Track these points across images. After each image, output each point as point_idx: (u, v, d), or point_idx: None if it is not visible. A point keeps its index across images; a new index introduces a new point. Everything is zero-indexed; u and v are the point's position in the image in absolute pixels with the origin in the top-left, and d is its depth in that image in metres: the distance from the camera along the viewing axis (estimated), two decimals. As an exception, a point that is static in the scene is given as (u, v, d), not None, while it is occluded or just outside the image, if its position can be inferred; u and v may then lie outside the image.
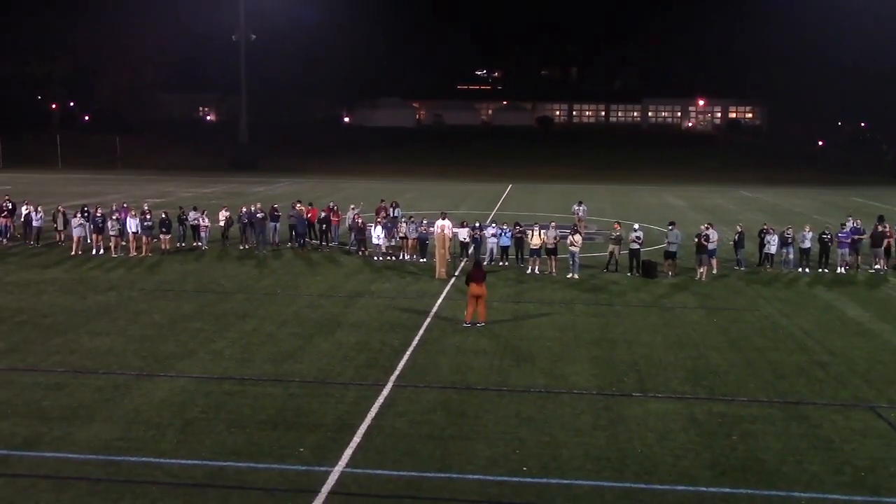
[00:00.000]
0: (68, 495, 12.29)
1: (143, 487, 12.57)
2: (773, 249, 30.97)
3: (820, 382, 18.08)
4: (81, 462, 13.41)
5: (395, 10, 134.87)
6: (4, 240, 34.89)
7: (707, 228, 30.10)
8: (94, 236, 32.58)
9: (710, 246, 29.43)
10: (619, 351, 20.23)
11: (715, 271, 29.83)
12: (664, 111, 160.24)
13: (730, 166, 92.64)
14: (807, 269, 30.84)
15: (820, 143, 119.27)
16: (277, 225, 34.83)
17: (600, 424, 15.41)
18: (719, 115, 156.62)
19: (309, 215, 35.24)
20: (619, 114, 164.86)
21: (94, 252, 32.23)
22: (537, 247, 29.95)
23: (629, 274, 29.65)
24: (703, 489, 12.92)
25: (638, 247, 29.86)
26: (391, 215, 35.93)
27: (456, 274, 28.74)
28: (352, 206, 35.91)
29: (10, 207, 35.74)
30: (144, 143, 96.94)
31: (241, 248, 34.05)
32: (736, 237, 31.37)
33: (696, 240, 29.57)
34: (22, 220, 35.21)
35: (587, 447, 14.35)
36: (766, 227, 31.97)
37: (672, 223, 31.00)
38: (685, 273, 29.83)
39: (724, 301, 26.06)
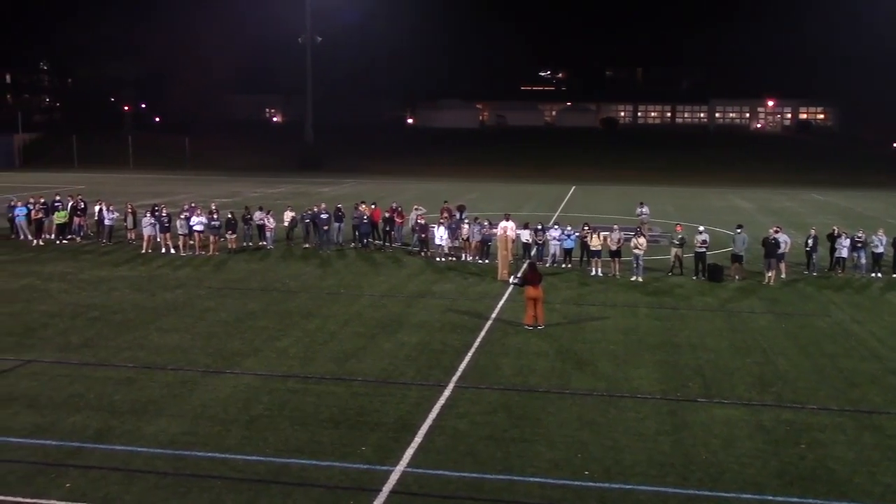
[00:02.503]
0: (137, 487, 12.58)
1: (208, 482, 12.81)
2: (844, 253, 30.19)
3: (894, 391, 17.54)
4: (150, 455, 13.72)
5: (459, 11, 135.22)
6: (78, 238, 35.92)
7: (776, 232, 29.47)
8: (161, 235, 33.35)
9: (780, 250, 28.81)
10: (684, 355, 19.92)
11: (784, 276, 29.19)
12: (732, 112, 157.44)
13: (800, 168, 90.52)
14: (879, 274, 29.98)
15: (895, 144, 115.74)
16: (341, 225, 35.15)
17: (664, 429, 15.20)
18: (789, 116, 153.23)
19: (371, 215, 35.46)
20: (686, 115, 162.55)
21: (162, 251, 32.97)
22: (598, 248, 29.75)
23: (694, 277, 29.19)
24: (770, 498, 12.64)
25: (704, 250, 29.39)
26: (456, 218, 35.98)
27: (518, 275, 28.62)
28: (415, 207, 36.08)
29: (83, 207, 36.77)
30: (213, 143, 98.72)
31: (304, 247, 34.46)
32: (810, 241, 30.56)
33: (764, 244, 29.02)
34: (95, 218, 36.20)
35: (651, 452, 14.16)
36: (836, 230, 31.15)
37: (740, 226, 30.43)
38: (753, 277, 29.25)
39: (793, 306, 25.47)
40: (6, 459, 13.46)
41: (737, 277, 29.03)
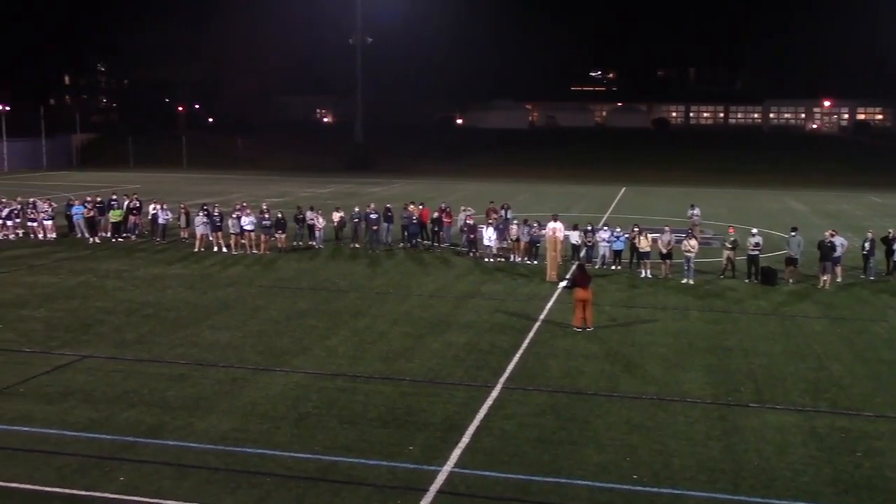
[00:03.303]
0: (189, 482, 12.78)
1: (258, 478, 12.96)
2: (903, 257, 29.45)
3: (954, 399, 17.08)
4: (201, 451, 13.92)
5: (510, 11, 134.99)
6: (133, 236, 36.61)
7: (832, 235, 28.87)
8: (213, 234, 33.84)
9: (836, 253, 28.22)
10: (736, 360, 19.63)
11: (839, 279, 28.60)
12: (787, 112, 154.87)
13: (857, 170, 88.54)
14: (940, 279, 29.19)
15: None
16: (390, 225, 35.31)
17: (714, 434, 14.99)
18: (846, 116, 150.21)
19: (419, 216, 35.53)
20: (739, 115, 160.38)
21: (214, 249, 33.44)
22: (647, 250, 29.48)
23: (747, 280, 28.74)
24: (824, 506, 12.40)
25: (757, 252, 28.92)
26: (502, 217, 35.93)
27: (567, 277, 28.46)
28: (463, 208, 36.10)
29: (138, 206, 37.49)
30: (265, 143, 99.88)
31: (352, 246, 34.68)
32: (867, 244, 29.83)
33: (819, 247, 28.48)
34: (149, 217, 36.88)
35: (700, 457, 13.98)
36: (891, 233, 30.38)
37: (795, 228, 29.88)
38: (807, 281, 28.70)
39: (848, 311, 24.94)
40: (63, 452, 13.78)
41: (791, 281, 28.52)
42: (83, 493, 12.38)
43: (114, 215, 36.37)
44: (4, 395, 16.51)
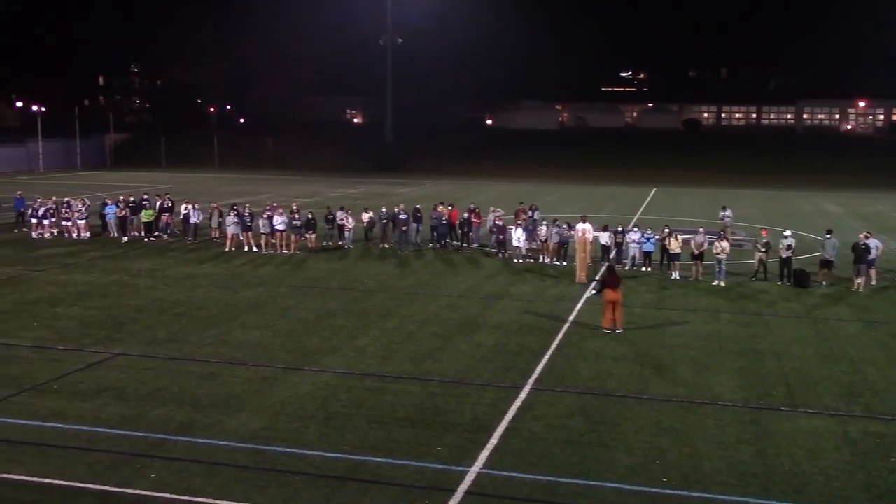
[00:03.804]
0: (218, 480, 12.87)
1: (287, 477, 13.02)
2: (939, 260, 28.98)
3: None
4: (230, 449, 14.01)
5: (539, 11, 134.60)
6: (165, 236, 36.97)
7: (867, 237, 28.48)
8: (244, 234, 34.07)
9: (870, 255, 27.83)
10: (767, 363, 19.42)
11: (874, 282, 28.20)
12: (821, 113, 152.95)
13: (893, 171, 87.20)
14: (978, 283, 28.70)
15: None
16: (420, 226, 35.36)
17: (745, 438, 14.84)
18: (882, 117, 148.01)
19: (449, 216, 35.54)
20: (772, 116, 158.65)
21: (245, 249, 33.68)
22: (677, 252, 29.27)
23: (779, 283, 28.43)
24: (858, 512, 12.22)
25: (789, 254, 28.59)
26: (531, 217, 35.85)
27: (597, 278, 28.31)
28: (492, 208, 36.08)
29: (170, 205, 37.85)
30: (295, 144, 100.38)
31: (381, 247, 34.76)
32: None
33: (853, 249, 28.09)
34: (181, 217, 37.23)
35: (731, 461, 13.85)
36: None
37: (829, 231, 29.50)
38: (840, 284, 28.33)
39: (884, 314, 24.58)
40: (95, 449, 13.94)
41: (824, 283, 28.17)
42: (115, 489, 12.52)
43: (146, 215, 36.77)
44: (38, 391, 16.75)
